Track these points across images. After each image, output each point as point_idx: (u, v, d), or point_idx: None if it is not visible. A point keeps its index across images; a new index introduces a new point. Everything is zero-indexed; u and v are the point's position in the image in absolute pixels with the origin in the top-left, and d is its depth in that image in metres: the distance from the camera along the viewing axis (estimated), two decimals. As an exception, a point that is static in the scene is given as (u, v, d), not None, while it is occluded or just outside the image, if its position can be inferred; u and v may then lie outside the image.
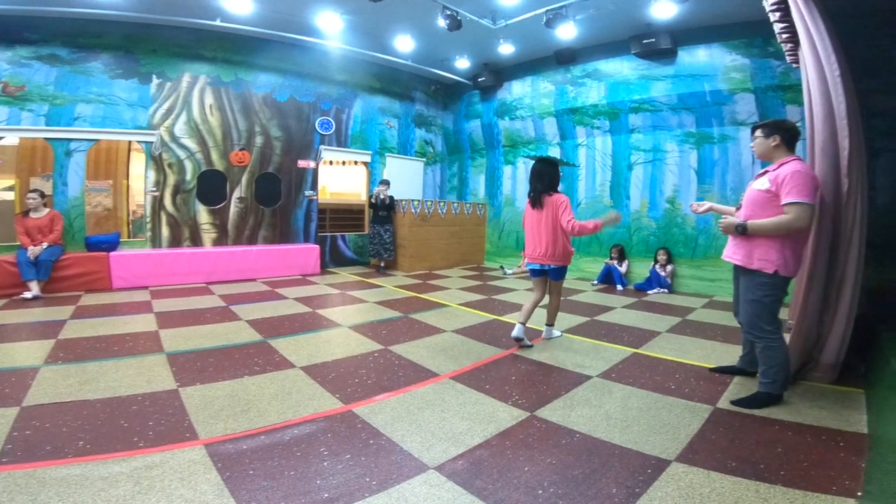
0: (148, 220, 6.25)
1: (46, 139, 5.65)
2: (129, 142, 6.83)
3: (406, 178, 8.98)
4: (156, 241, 6.27)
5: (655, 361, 3.21)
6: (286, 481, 1.70)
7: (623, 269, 6.48)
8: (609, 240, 6.98)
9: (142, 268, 5.63)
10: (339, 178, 9.31)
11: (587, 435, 2.12)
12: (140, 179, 6.53)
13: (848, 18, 3.08)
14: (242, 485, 1.66)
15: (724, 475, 1.77)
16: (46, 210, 5.15)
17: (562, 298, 3.80)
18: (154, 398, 2.40)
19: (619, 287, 6.26)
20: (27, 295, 4.74)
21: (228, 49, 6.75)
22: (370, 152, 8.43)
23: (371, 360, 3.17)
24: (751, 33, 5.63)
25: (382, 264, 7.53)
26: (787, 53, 3.54)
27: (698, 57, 6.18)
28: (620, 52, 6.83)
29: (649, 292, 5.93)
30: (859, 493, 1.64)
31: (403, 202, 7.51)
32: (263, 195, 7.11)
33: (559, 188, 3.49)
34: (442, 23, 5.79)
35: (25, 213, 5.06)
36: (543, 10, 5.69)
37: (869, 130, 3.34)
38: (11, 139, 5.75)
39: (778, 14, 3.15)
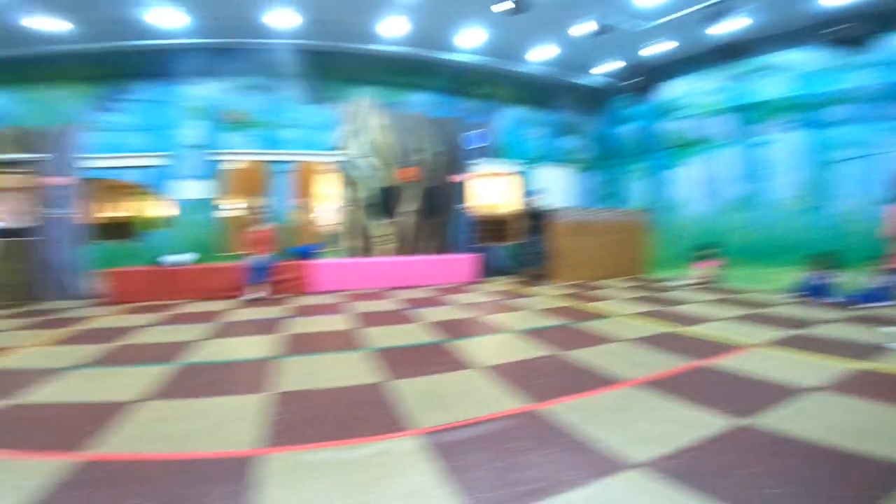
0: (339, 232, 7.30)
1: (263, 161, 7.05)
2: (319, 162, 8.07)
3: (558, 187, 8.82)
4: (345, 252, 7.27)
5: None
6: (495, 471, 1.78)
7: (834, 279, 5.26)
8: (804, 246, 5.77)
9: (335, 274, 6.59)
10: (491, 190, 9.59)
11: (812, 442, 1.92)
12: (327, 197, 7.65)
13: None
14: (458, 473, 1.76)
15: None
16: (266, 224, 6.39)
17: (761, 311, 3.24)
18: (371, 390, 2.69)
19: (830, 300, 5.08)
20: (252, 296, 5.91)
21: (387, 71, 7.54)
22: (519, 162, 8.52)
23: (546, 364, 3.15)
24: None
25: (536, 274, 7.47)
26: None
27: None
28: (800, 42, 5.78)
29: (873, 305, 4.67)
30: None
31: (556, 211, 7.37)
32: (425, 208, 7.71)
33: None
34: (588, 28, 5.57)
35: (252, 227, 6.35)
36: (702, 5, 5.06)
37: None
38: (237, 162, 7.25)
39: None
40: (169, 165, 6.61)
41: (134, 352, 3.69)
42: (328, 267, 6.64)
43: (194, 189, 6.72)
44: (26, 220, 6.18)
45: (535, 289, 6.65)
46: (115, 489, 1.73)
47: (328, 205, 8.50)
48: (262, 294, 5.97)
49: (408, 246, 7.57)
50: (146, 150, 6.53)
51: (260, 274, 6.03)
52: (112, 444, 2.08)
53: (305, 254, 6.68)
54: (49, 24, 5.08)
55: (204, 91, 6.86)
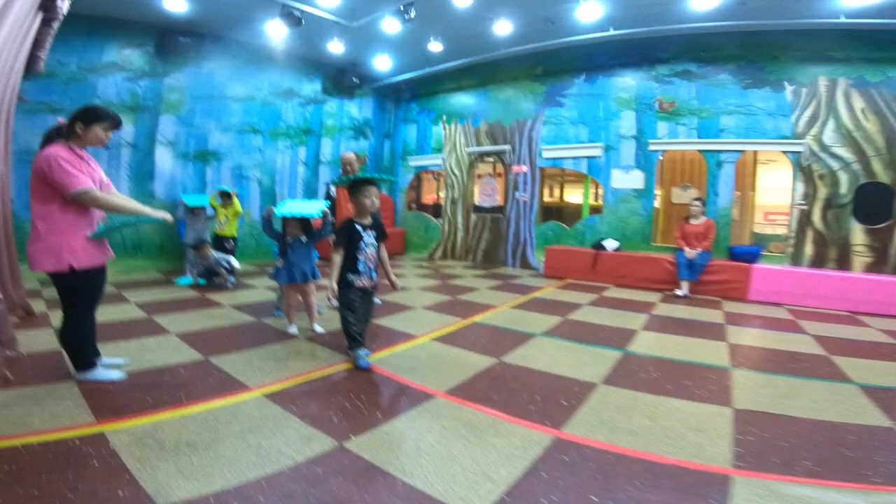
0: (792, 235, 5.80)
1: (700, 151, 6.34)
2: (755, 152, 6.64)
3: None
4: (797, 259, 5.75)
5: None
6: None
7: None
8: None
9: (780, 284, 5.32)
10: None
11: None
12: (766, 192, 6.21)
13: None
14: None
15: None
16: (704, 218, 5.75)
17: None
18: (870, 432, 2.14)
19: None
20: (678, 292, 5.47)
21: (860, 48, 5.25)
22: None
23: None
24: None
25: None
26: None
27: None
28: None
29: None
30: None
31: None
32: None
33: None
34: None
35: (686, 219, 5.86)
36: None
37: None
38: (671, 152, 6.82)
39: None
40: (604, 155, 6.95)
41: (585, 330, 4.02)
42: (779, 275, 5.33)
43: (627, 178, 6.85)
44: (497, 200, 8.08)
45: None
46: (578, 476, 1.74)
47: (776, 202, 6.87)
48: (686, 291, 5.41)
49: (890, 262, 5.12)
50: (584, 141, 7.11)
51: (693, 270, 5.49)
52: (578, 425, 2.18)
53: (748, 255, 5.57)
54: (500, 28, 6.24)
55: (632, 81, 6.86)
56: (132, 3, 5.46)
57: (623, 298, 5.39)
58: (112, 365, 2.61)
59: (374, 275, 2.93)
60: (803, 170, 5.65)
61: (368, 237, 2.86)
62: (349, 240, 2.81)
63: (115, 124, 2.25)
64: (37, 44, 3.91)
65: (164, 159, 6.42)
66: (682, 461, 1.85)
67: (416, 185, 9.99)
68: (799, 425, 2.21)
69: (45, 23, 3.54)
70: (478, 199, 8.43)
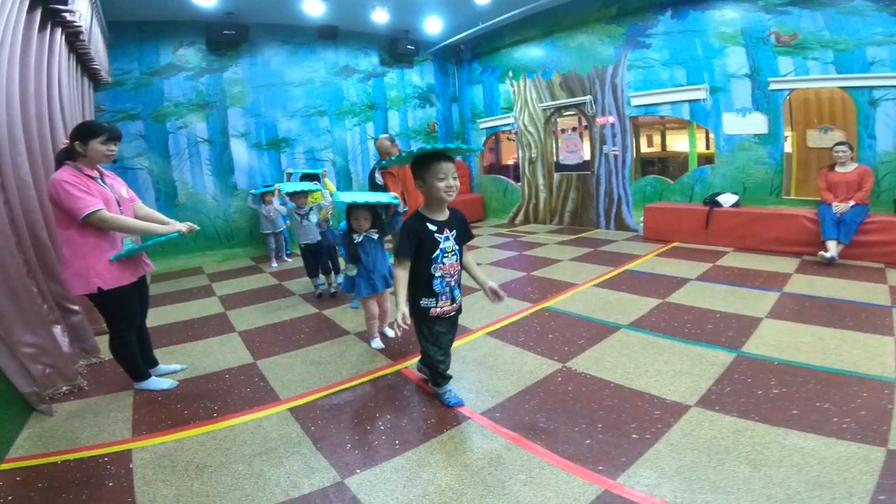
0: None
1: (842, 88, 4.77)
2: None
3: None
4: None
5: None
6: None
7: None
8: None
9: None
10: None
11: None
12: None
13: None
14: None
15: None
16: (854, 165, 4.35)
17: None
18: None
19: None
20: (825, 255, 4.23)
21: None
22: None
23: None
24: None
25: None
26: None
27: None
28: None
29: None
30: None
31: None
32: None
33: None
34: None
35: (831, 167, 4.49)
36: None
37: None
38: (803, 91, 5.29)
39: None
40: (710, 98, 5.66)
41: (688, 318, 3.20)
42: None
43: (744, 123, 5.48)
44: (582, 156, 7.13)
45: None
46: None
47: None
48: (834, 254, 4.16)
49: None
50: (683, 83, 5.85)
51: (843, 227, 4.20)
52: (644, 471, 1.73)
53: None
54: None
55: (734, 14, 5.40)
56: (168, 5, 5.57)
57: (745, 268, 4.32)
58: (168, 373, 2.71)
59: (457, 294, 2.07)
60: None
61: (447, 241, 1.98)
62: (418, 246, 1.94)
63: (113, 136, 2.17)
64: (85, 58, 4.15)
65: (239, 151, 6.71)
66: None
67: (494, 146, 9.36)
68: None
69: (74, 36, 3.66)
70: (560, 157, 7.55)
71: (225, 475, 1.76)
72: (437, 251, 1.94)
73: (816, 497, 1.42)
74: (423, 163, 1.90)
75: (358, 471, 1.73)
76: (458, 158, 2.40)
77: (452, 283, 2.02)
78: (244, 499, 1.62)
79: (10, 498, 1.67)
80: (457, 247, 2.02)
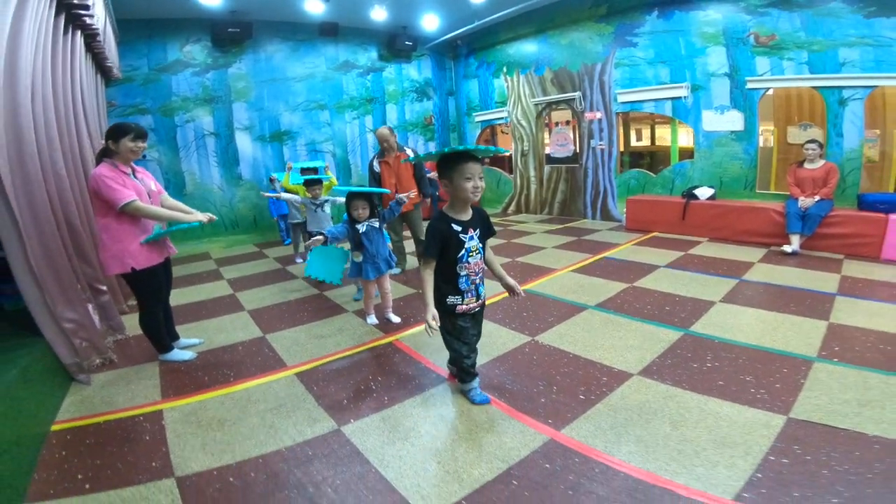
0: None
1: (814, 87, 5.06)
2: None
3: None
4: None
5: None
6: None
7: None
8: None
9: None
10: None
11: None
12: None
13: None
14: None
15: None
16: (822, 162, 4.67)
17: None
18: None
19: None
20: (787, 248, 4.59)
21: None
22: None
23: None
24: None
25: None
26: None
27: None
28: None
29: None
30: None
31: None
32: None
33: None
34: None
35: (800, 163, 4.80)
36: None
37: None
38: (777, 89, 5.58)
39: None
40: (691, 96, 5.96)
41: (649, 301, 3.58)
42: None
43: (722, 120, 5.78)
44: (571, 149, 7.43)
45: None
46: (546, 489, 1.71)
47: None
48: (796, 247, 4.52)
49: None
50: (667, 81, 6.14)
51: (806, 221, 4.54)
52: (584, 426, 2.06)
53: (885, 203, 4.42)
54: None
55: (717, 14, 5.65)
56: (175, 3, 5.83)
57: (714, 257, 4.69)
58: (188, 346, 3.09)
59: (481, 290, 2.13)
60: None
61: (472, 240, 2.02)
62: (444, 246, 1.99)
63: (139, 135, 2.51)
64: (99, 56, 4.45)
65: (244, 144, 7.03)
66: (678, 485, 1.59)
67: (490, 139, 9.65)
68: (875, 450, 1.70)
69: (91, 37, 3.97)
70: (550, 150, 7.85)
71: (242, 427, 2.12)
72: (463, 251, 1.99)
73: (719, 454, 1.73)
74: (451, 162, 1.92)
75: (352, 420, 2.11)
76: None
77: (477, 280, 2.09)
78: (259, 444, 1.98)
79: (63, 453, 1.99)
80: (480, 245, 2.08)
